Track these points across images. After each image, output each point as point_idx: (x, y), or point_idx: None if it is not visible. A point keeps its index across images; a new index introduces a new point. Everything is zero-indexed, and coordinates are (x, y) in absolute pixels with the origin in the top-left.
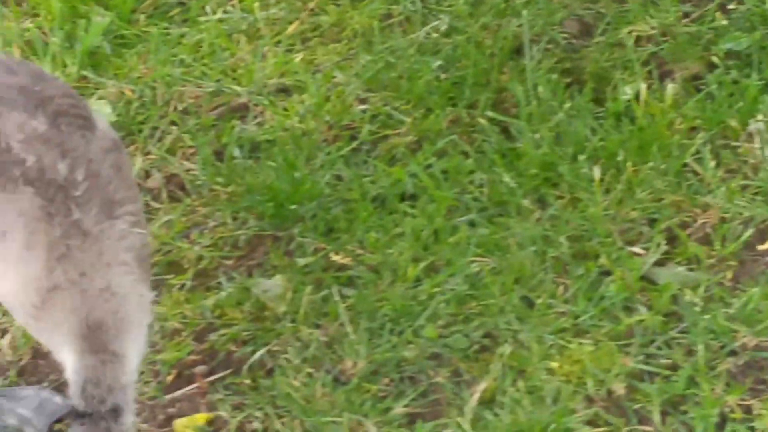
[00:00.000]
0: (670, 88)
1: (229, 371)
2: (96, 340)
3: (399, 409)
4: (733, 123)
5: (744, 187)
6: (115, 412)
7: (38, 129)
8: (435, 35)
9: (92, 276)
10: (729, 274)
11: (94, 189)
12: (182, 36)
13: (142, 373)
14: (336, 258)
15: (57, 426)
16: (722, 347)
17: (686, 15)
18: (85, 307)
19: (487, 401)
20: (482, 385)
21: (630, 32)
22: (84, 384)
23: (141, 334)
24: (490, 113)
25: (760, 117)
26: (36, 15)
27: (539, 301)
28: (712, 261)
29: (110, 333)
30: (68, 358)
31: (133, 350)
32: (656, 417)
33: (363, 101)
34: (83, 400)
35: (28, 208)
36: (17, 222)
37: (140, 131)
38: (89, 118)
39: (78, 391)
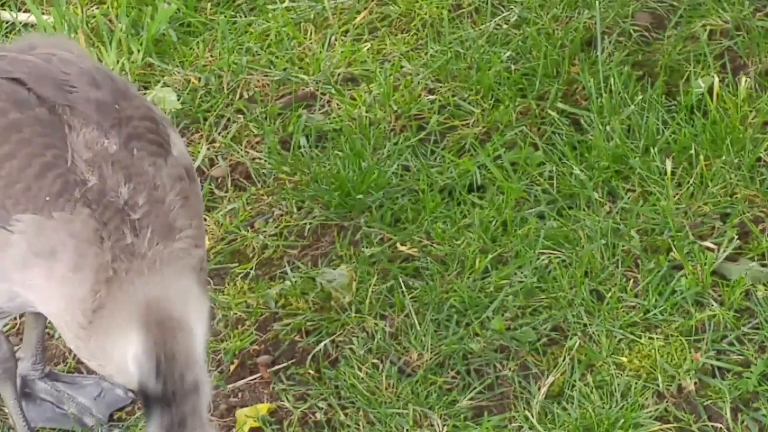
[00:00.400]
0: (744, 81)
1: (292, 361)
2: (160, 311)
3: (465, 402)
4: None
5: None
6: (196, 388)
7: (109, 149)
8: (505, 26)
9: (142, 287)
10: None
11: (154, 214)
12: (249, 24)
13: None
14: (402, 248)
15: (117, 414)
16: None
17: (760, 9)
18: (139, 298)
19: (555, 395)
20: (550, 379)
21: (703, 25)
22: (158, 363)
23: (204, 312)
24: (560, 105)
25: None
26: (102, 2)
27: (609, 294)
28: None
29: (172, 305)
30: (133, 346)
31: (199, 324)
32: (727, 414)
33: (431, 91)
34: (161, 381)
35: (81, 230)
36: (68, 243)
37: (205, 119)
38: (165, 144)
39: (152, 370)
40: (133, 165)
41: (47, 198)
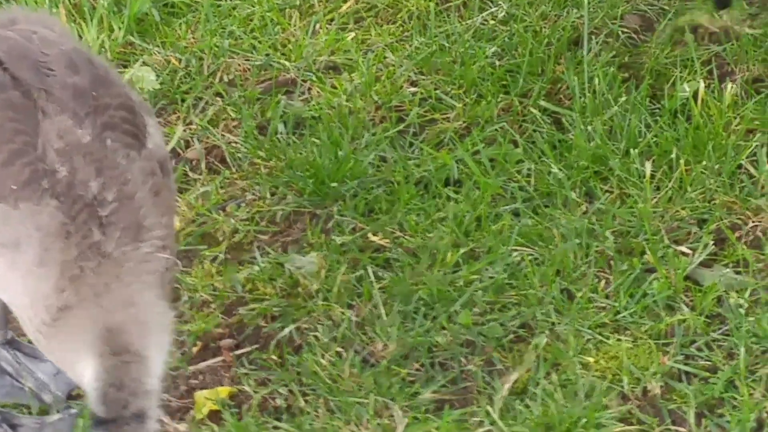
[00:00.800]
0: (730, 88)
1: (255, 346)
2: (117, 341)
3: (428, 395)
4: None
5: None
6: (139, 417)
7: (82, 139)
8: (492, 22)
9: (108, 295)
10: None
11: (123, 211)
12: (234, 8)
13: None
14: (374, 239)
15: (76, 392)
16: (764, 352)
17: (752, 16)
18: (102, 316)
19: (519, 392)
20: (514, 375)
21: (692, 30)
22: (105, 388)
23: (164, 341)
24: (543, 103)
25: None
26: None
27: (579, 294)
28: (760, 265)
29: (132, 335)
30: (87, 367)
31: (157, 354)
32: (691, 418)
33: (413, 84)
34: (105, 405)
35: (47, 223)
36: (33, 235)
37: (183, 101)
38: (140, 136)
39: (99, 396)
40: (105, 158)
41: (13, 187)
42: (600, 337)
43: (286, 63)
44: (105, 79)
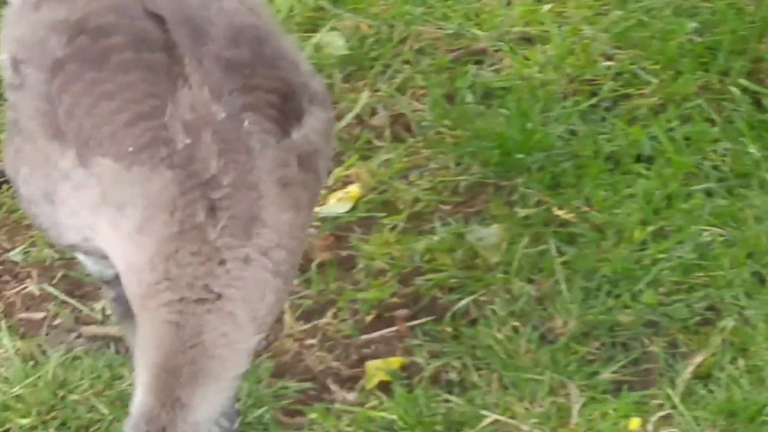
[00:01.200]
0: None
1: (431, 317)
2: (165, 385)
3: (606, 375)
4: None
5: None
6: None
7: (216, 116)
8: None
9: (191, 296)
10: None
11: (238, 199)
12: None
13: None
14: (559, 213)
15: None
16: None
17: None
18: (167, 341)
19: (702, 376)
20: (698, 359)
21: None
22: (138, 420)
23: (219, 389)
24: (743, 82)
25: None
26: None
27: None
28: None
29: (181, 380)
30: (137, 382)
31: (204, 403)
32: None
33: (609, 57)
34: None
35: (156, 193)
36: (139, 202)
37: (371, 67)
38: (286, 124)
39: (132, 422)
40: (236, 139)
41: (131, 149)
42: None
43: (478, 32)
44: (269, 60)
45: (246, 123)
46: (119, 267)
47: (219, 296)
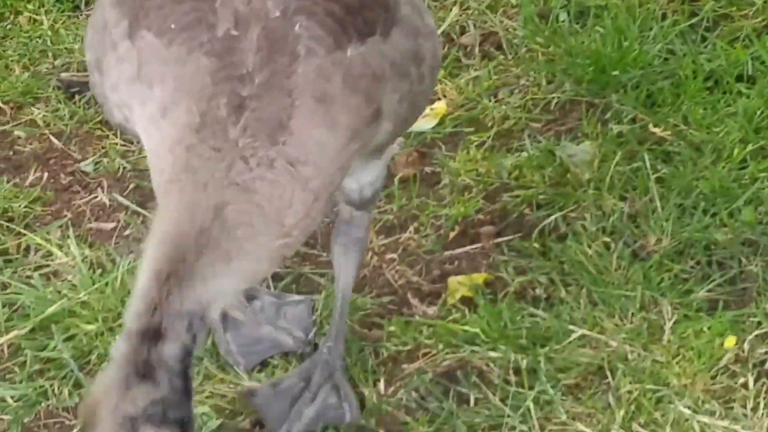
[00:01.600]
0: None
1: (518, 234)
2: (170, 260)
3: (701, 293)
4: None
5: None
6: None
7: (269, 13)
8: None
9: (215, 185)
10: None
11: (267, 101)
12: None
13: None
14: (655, 130)
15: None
16: None
17: None
18: (186, 216)
19: None
20: None
21: None
22: (136, 300)
23: (227, 273)
24: None
25: None
26: None
27: None
28: None
29: (190, 256)
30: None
31: (207, 283)
32: None
33: None
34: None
35: (187, 77)
36: (169, 84)
37: None
38: (342, 38)
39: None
40: (282, 40)
41: (173, 26)
42: None
43: None
44: None
45: (297, 27)
46: (146, 145)
47: (246, 189)
